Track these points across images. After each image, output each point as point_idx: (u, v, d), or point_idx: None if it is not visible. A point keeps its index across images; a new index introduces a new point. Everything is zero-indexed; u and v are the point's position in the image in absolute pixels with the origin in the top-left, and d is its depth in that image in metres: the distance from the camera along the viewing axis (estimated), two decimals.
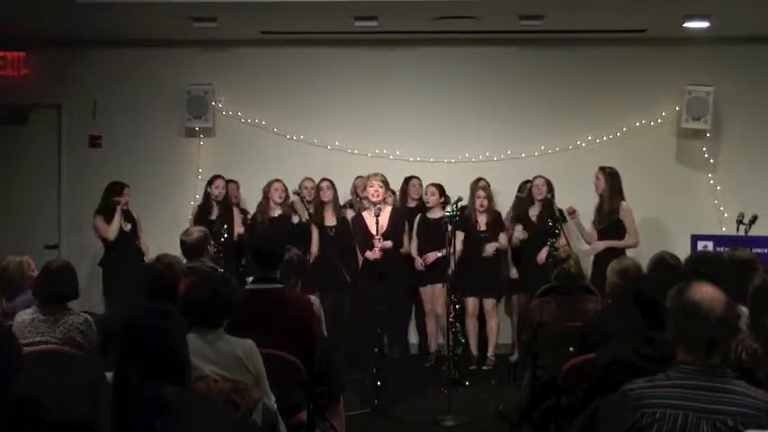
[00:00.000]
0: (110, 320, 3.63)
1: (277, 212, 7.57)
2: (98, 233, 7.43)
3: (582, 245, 7.36)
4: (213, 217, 7.50)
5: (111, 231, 7.31)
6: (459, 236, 7.41)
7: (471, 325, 7.59)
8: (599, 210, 7.21)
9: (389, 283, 6.53)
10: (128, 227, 7.44)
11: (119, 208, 7.33)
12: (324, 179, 7.64)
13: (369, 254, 6.58)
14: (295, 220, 7.58)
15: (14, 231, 8.32)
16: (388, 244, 6.59)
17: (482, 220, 7.52)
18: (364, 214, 6.77)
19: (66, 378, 1.89)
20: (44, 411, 1.77)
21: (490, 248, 7.40)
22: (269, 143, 8.43)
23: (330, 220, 7.56)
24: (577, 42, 8.30)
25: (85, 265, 7.75)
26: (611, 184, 7.14)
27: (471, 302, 7.53)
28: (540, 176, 7.50)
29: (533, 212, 7.48)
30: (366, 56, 8.49)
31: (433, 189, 7.55)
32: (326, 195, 7.56)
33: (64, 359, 4.05)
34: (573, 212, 7.24)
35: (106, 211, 7.37)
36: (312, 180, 7.75)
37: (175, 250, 5.44)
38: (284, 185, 7.63)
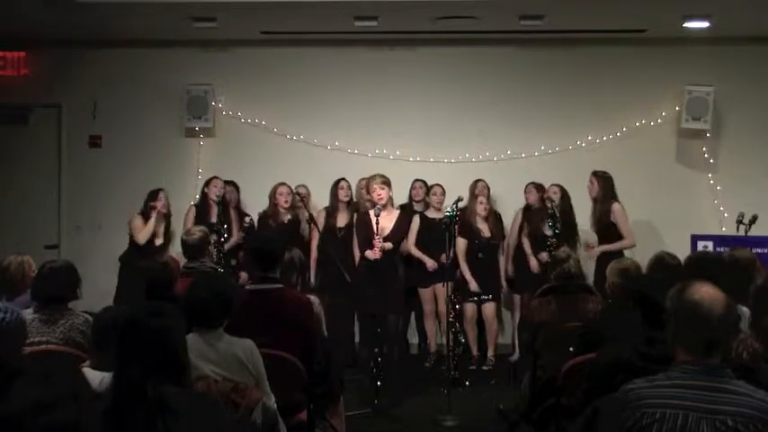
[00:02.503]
0: (103, 320, 3.62)
1: (287, 218, 7.54)
2: (131, 231, 7.46)
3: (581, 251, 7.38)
4: (213, 219, 7.48)
5: (143, 235, 7.36)
6: (462, 243, 7.41)
7: (470, 330, 7.59)
8: (593, 213, 7.23)
9: (389, 283, 6.52)
10: (158, 242, 7.45)
11: (154, 214, 7.39)
12: (342, 179, 7.63)
13: (369, 253, 6.57)
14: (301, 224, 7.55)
15: (14, 231, 8.32)
16: (388, 245, 6.58)
17: (484, 227, 7.51)
18: (371, 213, 6.75)
19: (51, 387, 1.88)
20: (26, 425, 1.77)
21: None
22: (269, 143, 8.43)
23: (342, 221, 7.53)
24: (577, 42, 8.30)
25: (85, 265, 7.73)
26: (604, 186, 7.15)
27: (470, 308, 7.52)
28: (531, 183, 7.53)
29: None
30: (366, 56, 8.49)
31: (441, 189, 7.60)
32: (345, 196, 7.55)
33: (64, 359, 4.04)
34: (591, 248, 7.23)
35: (144, 215, 7.45)
36: (305, 187, 7.78)
37: (175, 251, 5.46)
38: (289, 188, 7.61)
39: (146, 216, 7.43)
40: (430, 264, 7.39)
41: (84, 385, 2.27)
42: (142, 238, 7.35)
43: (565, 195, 7.43)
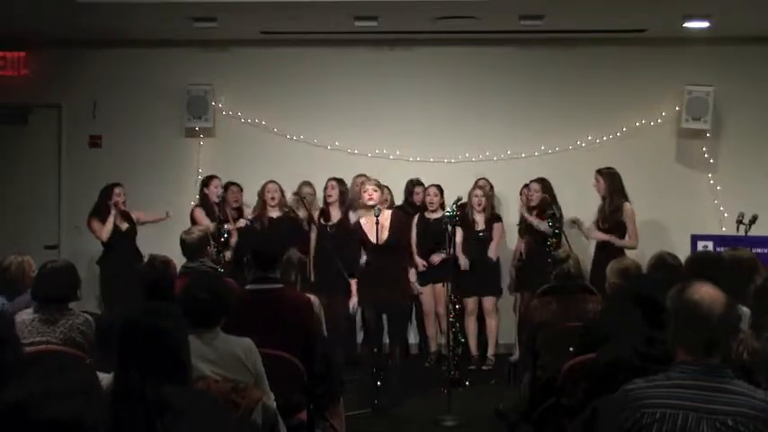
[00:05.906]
0: (107, 321, 3.62)
1: (275, 214, 7.55)
2: (94, 234, 7.47)
3: (582, 240, 7.39)
4: (221, 217, 7.46)
5: (105, 232, 7.34)
6: (459, 233, 7.43)
7: (471, 324, 7.60)
8: (601, 210, 7.20)
9: (389, 283, 6.52)
10: (124, 227, 7.44)
11: (113, 211, 7.35)
12: (332, 178, 7.63)
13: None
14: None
15: (14, 231, 8.32)
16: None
17: (480, 219, 7.54)
18: (362, 221, 6.69)
19: (63, 378, 1.88)
20: (32, 412, 1.76)
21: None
22: (269, 143, 8.43)
23: (334, 217, 7.55)
24: (577, 42, 8.30)
25: (85, 265, 7.73)
26: (611, 183, 7.12)
27: (471, 302, 7.55)
28: (534, 180, 7.49)
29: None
30: (366, 56, 8.49)
31: (435, 190, 7.58)
32: (333, 195, 7.56)
33: (64, 359, 4.04)
34: (575, 222, 7.25)
35: (99, 213, 7.40)
36: (310, 185, 7.76)
37: (175, 251, 5.44)
38: (278, 186, 7.61)
39: (101, 215, 7.38)
40: (420, 265, 7.39)
41: (97, 384, 2.28)
42: (104, 235, 7.33)
43: (545, 187, 7.43)
